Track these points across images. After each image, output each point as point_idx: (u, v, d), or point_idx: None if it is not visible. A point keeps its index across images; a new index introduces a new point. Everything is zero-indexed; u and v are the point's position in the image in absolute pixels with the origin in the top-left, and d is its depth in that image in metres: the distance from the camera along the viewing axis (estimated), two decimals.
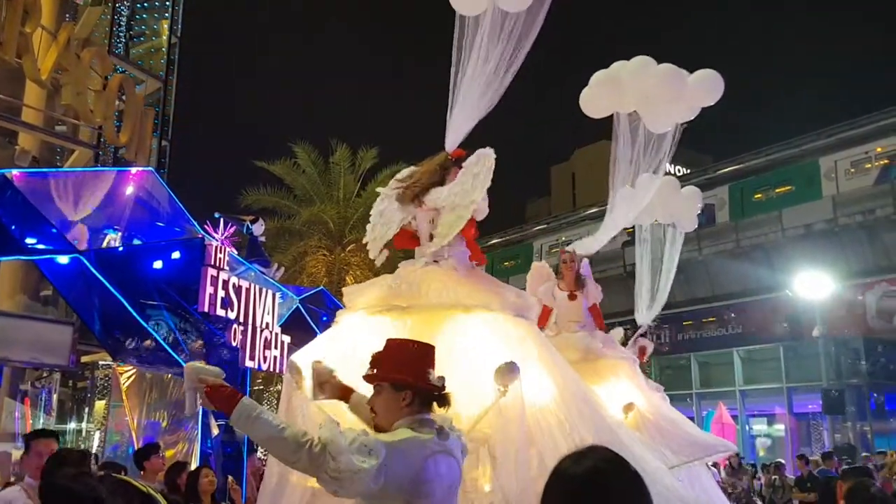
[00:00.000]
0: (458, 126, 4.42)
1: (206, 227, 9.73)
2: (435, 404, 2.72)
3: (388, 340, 2.92)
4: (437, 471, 2.54)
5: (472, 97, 4.38)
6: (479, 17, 4.38)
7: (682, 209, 7.69)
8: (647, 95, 6.41)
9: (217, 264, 9.15)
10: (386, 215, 4.37)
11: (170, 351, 8.99)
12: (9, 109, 11.59)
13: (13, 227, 8.00)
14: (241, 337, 9.44)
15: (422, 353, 2.80)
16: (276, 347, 10.00)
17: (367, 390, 3.69)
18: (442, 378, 2.75)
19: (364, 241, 4.43)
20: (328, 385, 3.17)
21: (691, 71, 6.60)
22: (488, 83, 4.36)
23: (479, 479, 3.32)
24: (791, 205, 22.49)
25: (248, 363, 9.58)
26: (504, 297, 4.09)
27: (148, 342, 9.26)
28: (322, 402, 3.74)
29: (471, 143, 4.60)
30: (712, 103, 6.60)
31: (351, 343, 3.94)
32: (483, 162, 4.15)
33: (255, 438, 2.58)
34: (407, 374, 2.69)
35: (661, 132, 6.64)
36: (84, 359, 12.52)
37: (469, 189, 4.10)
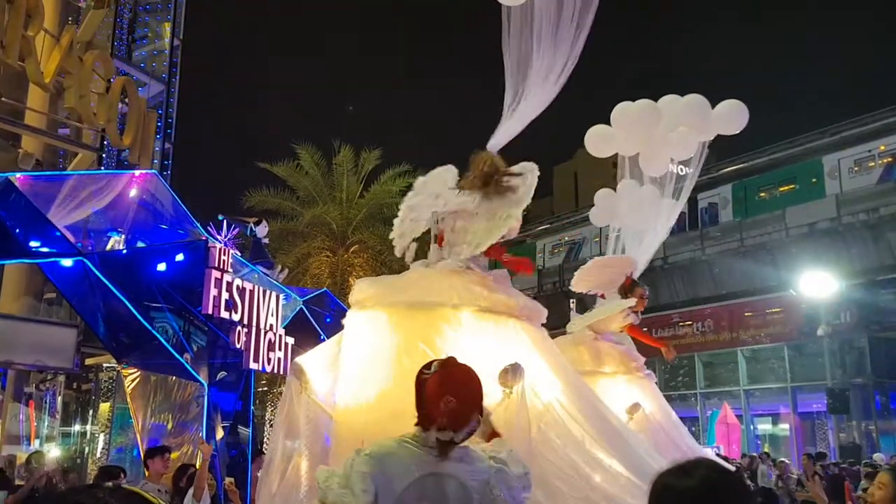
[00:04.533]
0: (509, 129, 4.33)
1: (209, 229, 9.73)
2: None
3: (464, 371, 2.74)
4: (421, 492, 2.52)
5: (531, 101, 4.32)
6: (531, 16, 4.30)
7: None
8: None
9: (221, 266, 9.16)
10: (417, 210, 4.12)
11: (174, 353, 9.00)
12: (12, 113, 11.62)
13: (17, 231, 8.02)
14: (244, 339, 9.44)
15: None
16: (280, 349, 10.00)
17: (370, 387, 3.71)
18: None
19: (392, 239, 4.17)
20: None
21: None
22: (542, 86, 4.35)
23: None
24: (795, 203, 22.43)
25: (252, 365, 9.58)
26: (513, 300, 4.06)
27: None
28: (324, 404, 3.75)
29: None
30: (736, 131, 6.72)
31: (353, 344, 3.94)
32: (527, 178, 4.07)
33: None
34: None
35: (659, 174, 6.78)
36: (88, 361, 12.56)
37: (514, 201, 4.04)
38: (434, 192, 4.10)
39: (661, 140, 6.64)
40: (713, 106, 6.71)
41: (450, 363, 2.71)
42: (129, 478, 7.41)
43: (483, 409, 2.69)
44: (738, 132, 6.75)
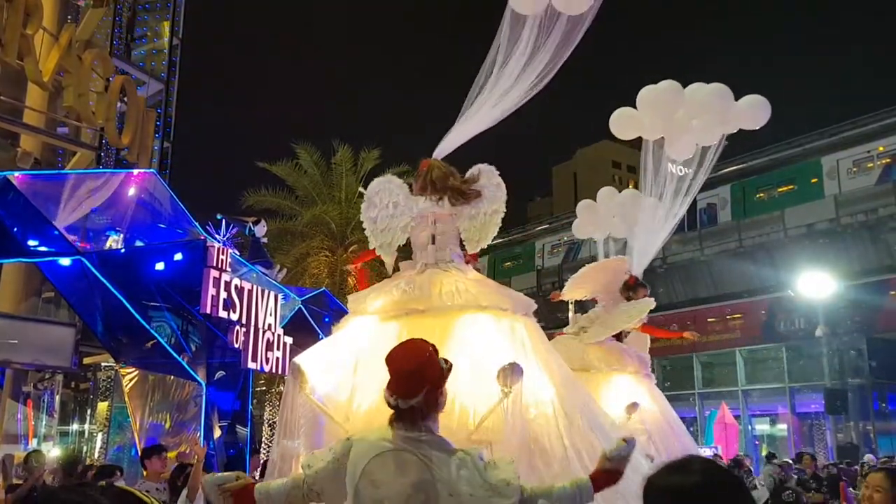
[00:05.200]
0: (455, 138, 4.51)
1: (208, 228, 9.73)
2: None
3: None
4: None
5: (486, 111, 4.46)
6: (521, 31, 4.42)
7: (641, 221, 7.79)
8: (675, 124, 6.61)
9: (219, 266, 9.15)
10: (381, 221, 4.35)
11: (172, 353, 8.99)
12: (11, 111, 11.59)
13: (15, 230, 8.01)
14: (243, 338, 9.43)
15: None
16: (278, 349, 10.00)
17: (372, 392, 3.71)
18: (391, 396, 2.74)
19: (373, 248, 4.41)
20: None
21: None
22: (508, 96, 4.46)
23: None
24: (793, 204, 22.46)
25: (251, 365, 9.57)
26: (513, 297, 4.18)
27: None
28: (324, 404, 3.75)
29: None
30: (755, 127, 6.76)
31: (357, 347, 3.96)
32: (490, 177, 4.33)
33: None
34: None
35: (683, 158, 6.82)
36: (86, 360, 12.52)
37: (493, 199, 4.26)
38: (390, 202, 4.34)
39: (684, 125, 6.67)
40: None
41: (411, 339, 2.92)
42: (126, 477, 7.41)
43: (438, 386, 2.72)
44: (758, 128, 6.78)
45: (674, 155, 6.85)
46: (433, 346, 2.82)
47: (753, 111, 6.69)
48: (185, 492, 5.97)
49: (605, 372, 6.19)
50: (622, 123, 7.14)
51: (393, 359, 2.77)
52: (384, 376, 3.73)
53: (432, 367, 2.73)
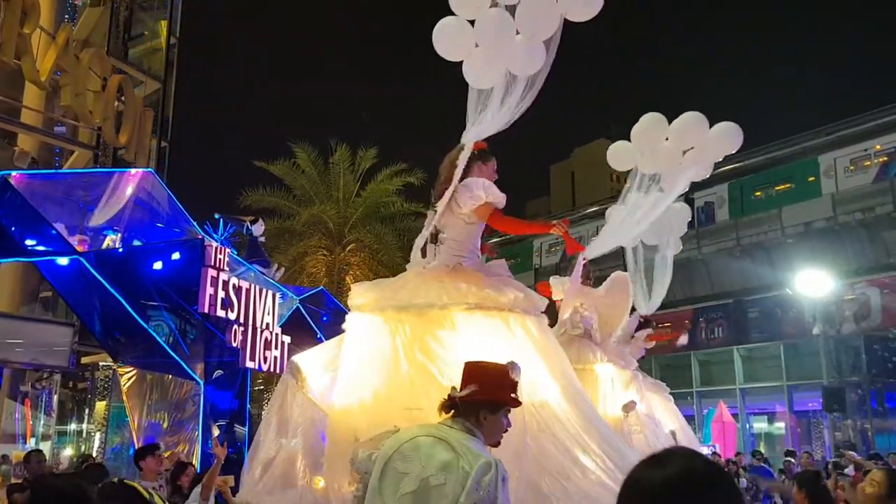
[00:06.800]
0: (487, 124, 4.45)
1: (205, 227, 9.72)
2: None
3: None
4: None
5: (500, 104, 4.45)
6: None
7: (673, 227, 7.74)
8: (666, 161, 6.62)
9: (217, 265, 9.15)
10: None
11: (170, 352, 8.99)
12: (8, 111, 11.60)
13: (13, 229, 8.01)
14: (241, 337, 9.43)
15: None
16: (276, 348, 10.00)
17: (366, 388, 3.72)
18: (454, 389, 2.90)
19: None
20: None
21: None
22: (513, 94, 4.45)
23: None
24: (791, 203, 22.48)
25: (249, 364, 9.57)
26: (504, 296, 4.07)
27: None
28: (321, 403, 3.76)
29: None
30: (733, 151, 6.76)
31: (346, 344, 3.97)
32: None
33: None
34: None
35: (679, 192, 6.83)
36: (84, 360, 12.53)
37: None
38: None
39: (675, 157, 6.66)
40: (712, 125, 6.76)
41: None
42: (126, 477, 7.40)
43: (490, 393, 2.84)
44: (733, 152, 6.80)
45: (671, 191, 6.85)
46: (508, 367, 3.06)
47: (726, 138, 6.67)
48: (196, 490, 5.97)
49: (596, 369, 6.29)
50: (618, 156, 7.21)
51: (466, 367, 2.98)
52: (370, 370, 3.74)
53: (489, 370, 2.93)
